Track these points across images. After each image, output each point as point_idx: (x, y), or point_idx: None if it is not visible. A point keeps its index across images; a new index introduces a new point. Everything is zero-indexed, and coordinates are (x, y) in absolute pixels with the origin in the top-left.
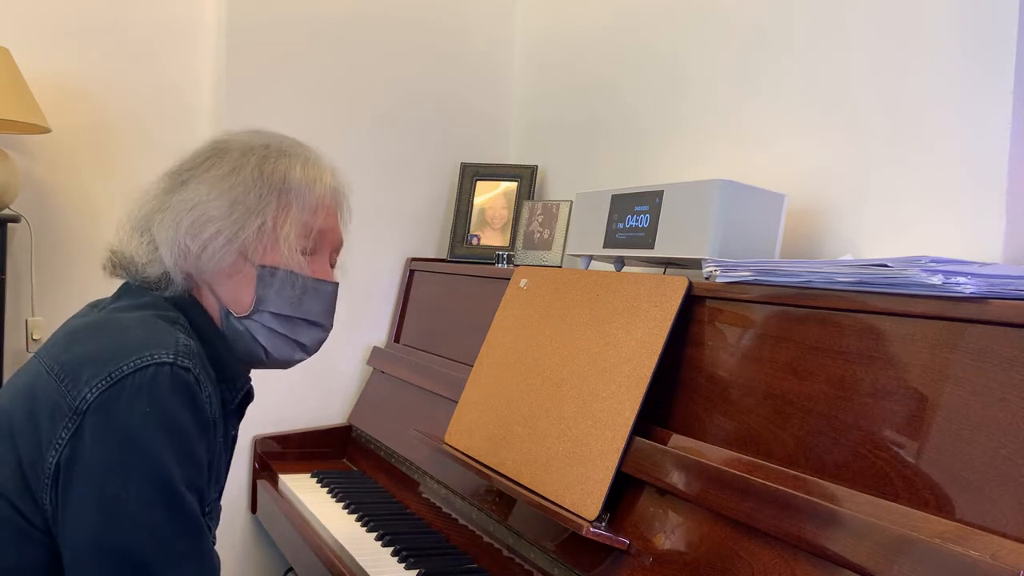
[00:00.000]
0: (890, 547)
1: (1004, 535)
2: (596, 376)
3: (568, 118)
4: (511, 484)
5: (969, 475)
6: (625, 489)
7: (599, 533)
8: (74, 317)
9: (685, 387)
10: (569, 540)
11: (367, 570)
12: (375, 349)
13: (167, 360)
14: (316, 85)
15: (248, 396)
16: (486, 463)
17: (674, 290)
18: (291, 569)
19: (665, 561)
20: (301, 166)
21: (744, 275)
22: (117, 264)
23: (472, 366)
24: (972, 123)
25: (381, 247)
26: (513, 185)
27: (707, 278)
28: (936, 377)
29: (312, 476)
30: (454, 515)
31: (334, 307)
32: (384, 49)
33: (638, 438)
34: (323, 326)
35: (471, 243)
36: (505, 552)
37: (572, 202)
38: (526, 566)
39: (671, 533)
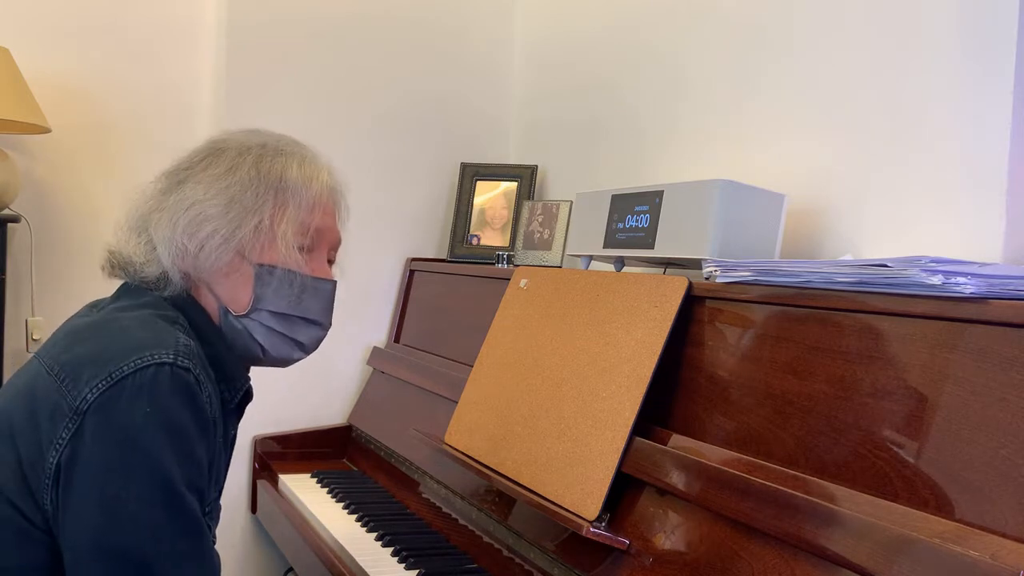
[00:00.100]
0: (890, 547)
1: (1004, 535)
2: (596, 376)
3: (568, 118)
4: (511, 484)
5: (969, 475)
6: (625, 489)
7: (599, 533)
8: (74, 317)
9: (685, 387)
10: (569, 540)
11: (367, 570)
12: (375, 349)
13: (167, 360)
14: (316, 85)
15: (247, 395)
16: (486, 463)
17: (674, 290)
18: (291, 569)
19: (665, 561)
20: (298, 164)
21: (744, 275)
22: (116, 264)
23: (472, 366)
24: (972, 123)
25: (381, 247)
26: (513, 185)
27: (707, 278)
28: (936, 377)
29: (312, 476)
30: (454, 515)
31: (332, 305)
32: (384, 49)
33: (638, 438)
34: (321, 324)
35: (471, 243)
36: (505, 552)
37: (572, 202)
38: (526, 566)
39: (671, 533)
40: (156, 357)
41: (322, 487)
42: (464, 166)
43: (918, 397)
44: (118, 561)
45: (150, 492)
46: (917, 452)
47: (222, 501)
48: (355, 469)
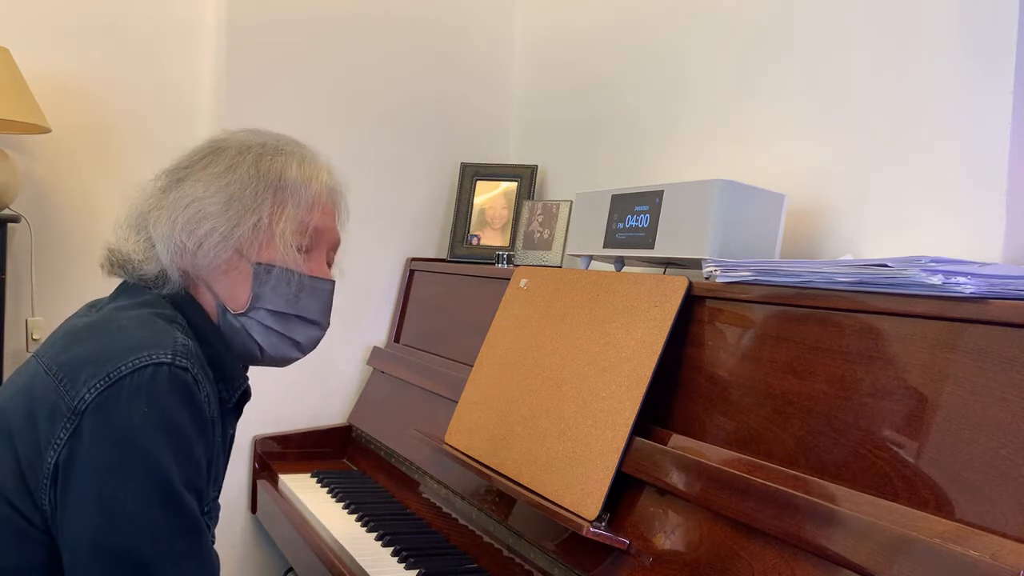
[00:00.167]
0: (890, 547)
1: (1004, 535)
2: (596, 376)
3: (568, 118)
4: (511, 484)
5: (969, 475)
6: (625, 489)
7: (599, 533)
8: (72, 317)
9: (685, 387)
10: (569, 540)
11: (367, 570)
12: (375, 349)
13: (165, 360)
14: (316, 85)
15: (246, 395)
16: (486, 463)
17: (674, 290)
18: (291, 569)
19: (665, 561)
20: (297, 164)
21: (744, 275)
22: (115, 263)
23: (472, 366)
24: (972, 123)
25: (381, 247)
26: (513, 185)
27: (707, 278)
28: (936, 377)
29: (312, 476)
30: (454, 515)
31: (331, 305)
32: (384, 49)
33: (638, 438)
34: (320, 324)
35: (471, 243)
36: (505, 552)
37: (572, 202)
38: (526, 566)
39: (671, 533)
40: (154, 357)
41: (322, 487)
42: (464, 166)
43: (918, 397)
44: (116, 561)
45: (148, 492)
46: (917, 452)
47: (221, 501)
48: (355, 469)
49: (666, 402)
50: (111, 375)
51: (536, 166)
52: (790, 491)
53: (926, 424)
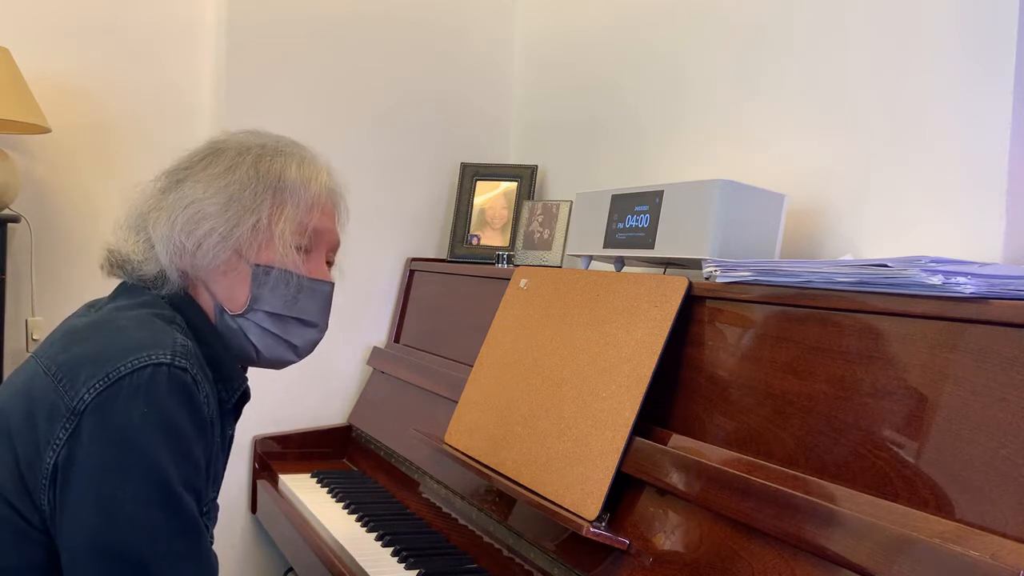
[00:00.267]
0: (890, 547)
1: (1004, 535)
2: (596, 376)
3: (568, 118)
4: (511, 484)
5: (969, 475)
6: (625, 489)
7: (599, 533)
8: (71, 317)
9: (685, 387)
10: (569, 540)
11: (367, 570)
12: (375, 349)
13: (164, 360)
14: (316, 85)
15: (245, 396)
16: (486, 463)
17: (674, 290)
18: (291, 569)
19: (665, 561)
20: (297, 165)
21: (744, 275)
22: (114, 263)
23: (472, 366)
24: (972, 123)
25: (381, 247)
26: (513, 185)
27: (707, 278)
28: (936, 377)
29: (312, 476)
30: (454, 515)
31: (329, 307)
32: (384, 49)
33: (638, 438)
34: (318, 326)
35: (471, 243)
36: (505, 552)
37: (572, 202)
38: (526, 566)
39: (671, 533)
40: (153, 357)
41: (322, 487)
42: (464, 166)
43: (918, 397)
44: (115, 561)
45: (147, 492)
46: (917, 452)
47: (221, 501)
48: (355, 469)
49: (666, 402)
50: (110, 375)
51: (536, 166)
52: (790, 491)
53: (926, 424)
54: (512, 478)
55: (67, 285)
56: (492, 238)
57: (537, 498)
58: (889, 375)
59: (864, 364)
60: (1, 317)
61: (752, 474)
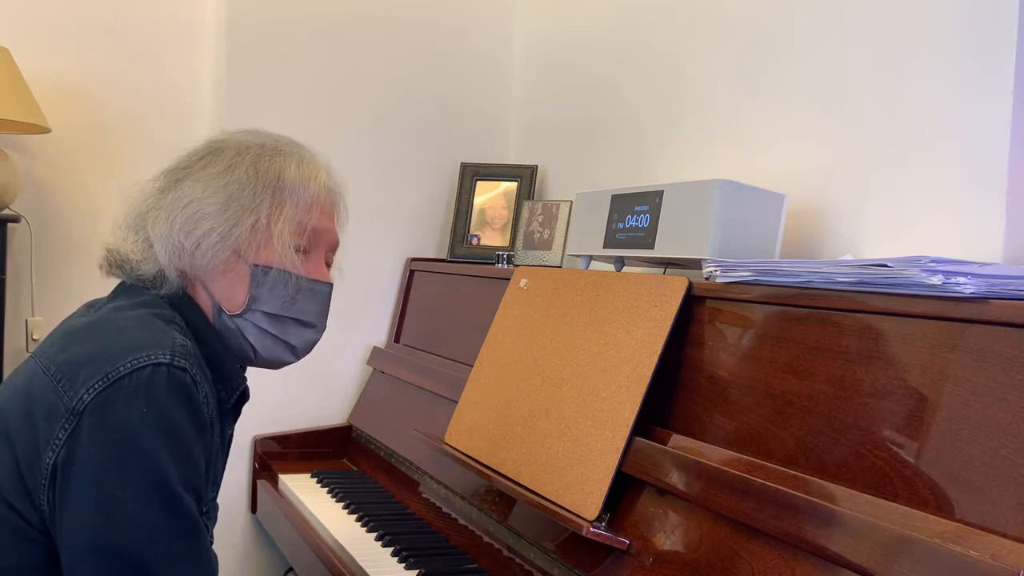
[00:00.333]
0: (890, 547)
1: (1004, 535)
2: (596, 376)
3: (568, 118)
4: (511, 484)
5: (969, 475)
6: (625, 489)
7: (599, 533)
8: (71, 317)
9: (685, 387)
10: (569, 540)
11: (367, 570)
12: (375, 349)
13: (164, 360)
14: (316, 85)
15: (244, 395)
16: (486, 463)
17: (674, 290)
18: (291, 569)
19: (665, 561)
20: (296, 164)
21: (744, 275)
22: (113, 263)
23: (472, 366)
24: (972, 123)
25: (381, 247)
26: (513, 185)
27: (707, 278)
28: (936, 377)
29: (312, 476)
30: (454, 515)
31: (328, 308)
32: (384, 49)
33: (638, 438)
34: (316, 327)
35: (471, 243)
36: (505, 552)
37: (572, 202)
38: (526, 566)
39: (671, 533)
40: (153, 357)
41: (322, 487)
42: (464, 166)
43: (918, 397)
44: (114, 561)
45: (146, 492)
46: (917, 452)
47: (221, 501)
48: (355, 469)
49: (666, 402)
50: (109, 375)
51: (536, 166)
52: (790, 491)
53: (926, 424)
54: (512, 478)
55: (67, 285)
56: (492, 238)
57: (537, 498)
58: (889, 375)
59: (864, 364)
60: (1, 317)
61: (752, 474)
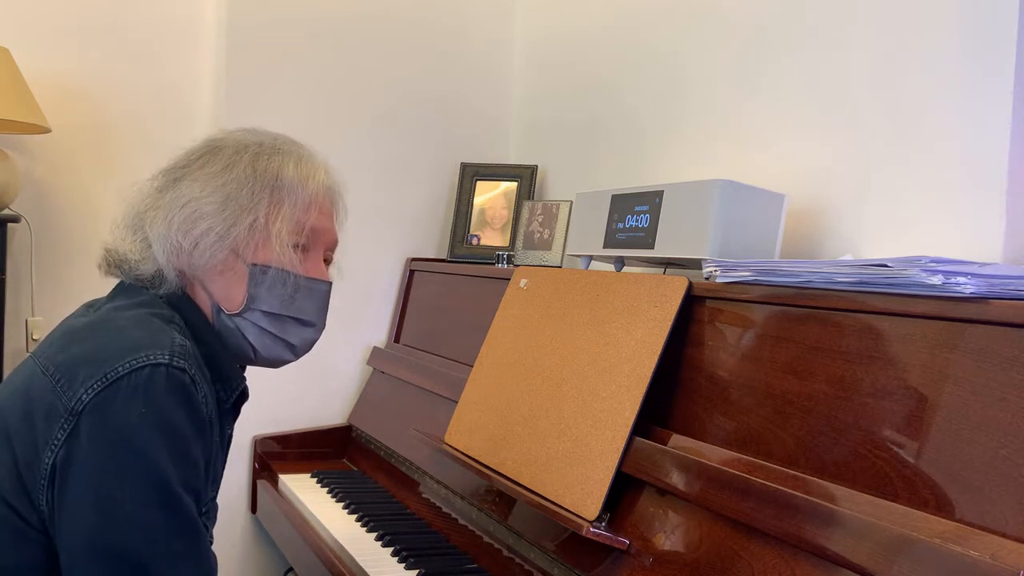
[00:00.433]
0: (890, 547)
1: (1004, 535)
2: (596, 376)
3: (568, 118)
4: (511, 484)
5: (969, 475)
6: (625, 489)
7: (599, 533)
8: (70, 317)
9: (685, 387)
10: (569, 540)
11: (367, 570)
12: (375, 349)
13: (163, 361)
14: (316, 85)
15: (243, 395)
16: (486, 463)
17: (674, 290)
18: (291, 569)
19: (665, 561)
20: (294, 163)
21: (744, 275)
22: (111, 263)
23: (472, 366)
24: (972, 123)
25: (381, 247)
26: (513, 185)
27: (707, 278)
28: (936, 377)
29: (312, 476)
30: (454, 515)
31: (327, 306)
32: (384, 49)
33: (638, 438)
34: (315, 325)
35: (471, 243)
36: (505, 552)
37: (572, 202)
38: (526, 566)
39: (671, 533)
40: (152, 358)
41: (322, 487)
42: (464, 166)
43: (918, 397)
44: (113, 561)
45: (145, 492)
46: (917, 452)
47: (221, 501)
48: (355, 469)
49: (666, 402)
50: (108, 376)
51: (536, 166)
52: (790, 491)
53: (926, 424)
54: (512, 478)
55: (67, 285)
56: (492, 238)
57: (537, 498)
58: (889, 375)
59: (864, 364)
60: (1, 317)
61: (752, 474)
